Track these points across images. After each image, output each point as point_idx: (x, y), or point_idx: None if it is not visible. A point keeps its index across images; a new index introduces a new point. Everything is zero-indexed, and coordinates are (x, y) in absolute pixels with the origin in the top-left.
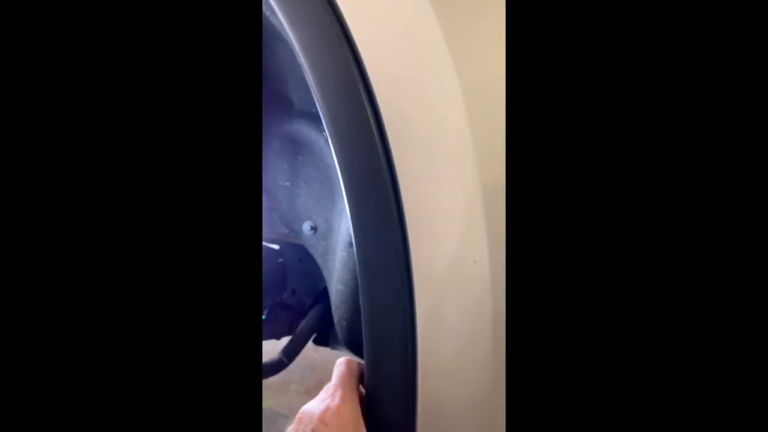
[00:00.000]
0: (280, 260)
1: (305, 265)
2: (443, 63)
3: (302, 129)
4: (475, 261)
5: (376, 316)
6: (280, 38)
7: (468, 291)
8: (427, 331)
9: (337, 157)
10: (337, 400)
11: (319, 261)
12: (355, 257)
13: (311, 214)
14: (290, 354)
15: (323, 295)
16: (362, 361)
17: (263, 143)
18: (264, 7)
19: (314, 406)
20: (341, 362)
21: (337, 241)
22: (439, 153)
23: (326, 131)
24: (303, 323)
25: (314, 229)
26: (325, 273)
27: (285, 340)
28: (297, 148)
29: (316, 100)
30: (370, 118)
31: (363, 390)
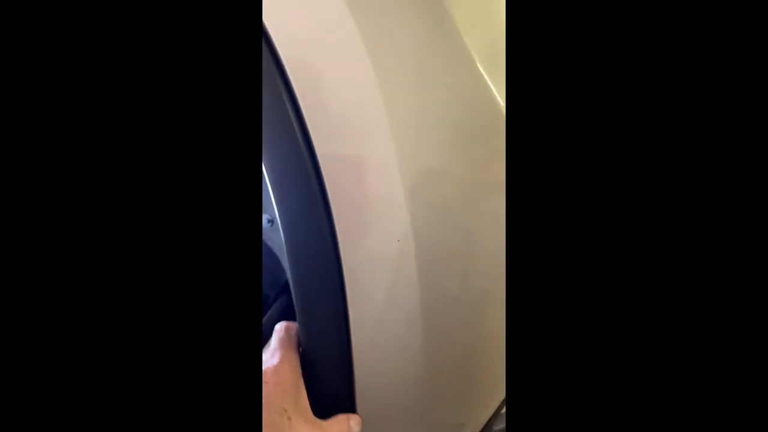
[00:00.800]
0: None
1: (266, 259)
2: (360, 52)
3: None
4: (399, 240)
5: (308, 296)
6: None
7: (395, 268)
8: (359, 308)
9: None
10: (276, 359)
11: (278, 253)
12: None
13: (267, 207)
14: None
15: (286, 287)
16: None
17: None
18: None
19: None
20: (280, 327)
21: None
22: (361, 141)
23: None
24: (266, 316)
25: (271, 222)
26: (284, 265)
27: None
28: None
29: None
30: (289, 109)
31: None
